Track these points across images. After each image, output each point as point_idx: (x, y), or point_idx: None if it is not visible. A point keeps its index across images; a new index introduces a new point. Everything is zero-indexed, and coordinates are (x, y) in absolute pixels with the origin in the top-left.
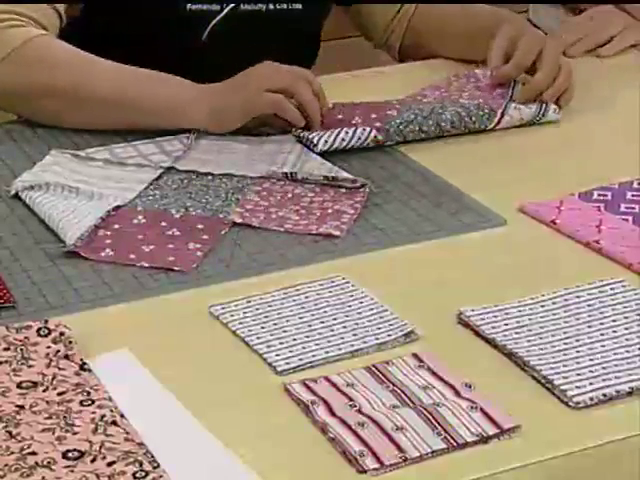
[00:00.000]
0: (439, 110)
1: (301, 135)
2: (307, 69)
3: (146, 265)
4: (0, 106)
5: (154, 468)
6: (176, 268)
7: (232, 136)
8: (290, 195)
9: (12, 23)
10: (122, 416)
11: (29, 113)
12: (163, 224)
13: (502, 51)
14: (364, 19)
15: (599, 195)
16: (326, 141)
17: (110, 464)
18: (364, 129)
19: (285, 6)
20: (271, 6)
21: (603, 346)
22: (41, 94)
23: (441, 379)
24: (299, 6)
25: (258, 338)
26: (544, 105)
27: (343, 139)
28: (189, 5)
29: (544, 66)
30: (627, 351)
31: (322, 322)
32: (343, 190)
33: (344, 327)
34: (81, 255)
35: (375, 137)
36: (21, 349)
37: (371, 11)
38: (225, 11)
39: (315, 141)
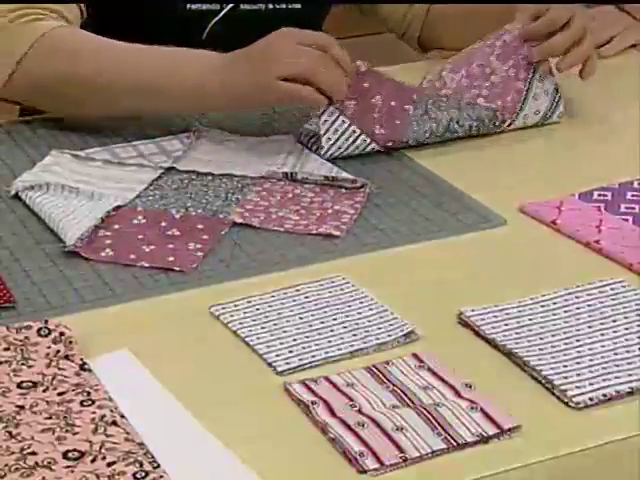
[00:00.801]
0: (455, 126)
1: (309, 142)
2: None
3: (146, 265)
4: (26, 100)
5: (154, 468)
6: (176, 268)
7: (232, 136)
8: (290, 195)
9: (31, 17)
10: (122, 416)
11: (52, 104)
12: (163, 224)
13: (530, 15)
14: (382, 11)
15: (599, 195)
16: (332, 154)
17: (110, 464)
18: (372, 141)
19: (284, 6)
20: (270, 6)
21: (603, 346)
22: (64, 83)
23: (441, 379)
24: (298, 6)
25: (258, 338)
26: (551, 108)
27: (348, 148)
28: (189, 5)
29: (567, 30)
30: (627, 351)
31: (322, 322)
32: (343, 190)
33: (344, 327)
34: (81, 255)
35: (383, 146)
36: (21, 349)
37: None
38: (224, 11)
39: (322, 152)
